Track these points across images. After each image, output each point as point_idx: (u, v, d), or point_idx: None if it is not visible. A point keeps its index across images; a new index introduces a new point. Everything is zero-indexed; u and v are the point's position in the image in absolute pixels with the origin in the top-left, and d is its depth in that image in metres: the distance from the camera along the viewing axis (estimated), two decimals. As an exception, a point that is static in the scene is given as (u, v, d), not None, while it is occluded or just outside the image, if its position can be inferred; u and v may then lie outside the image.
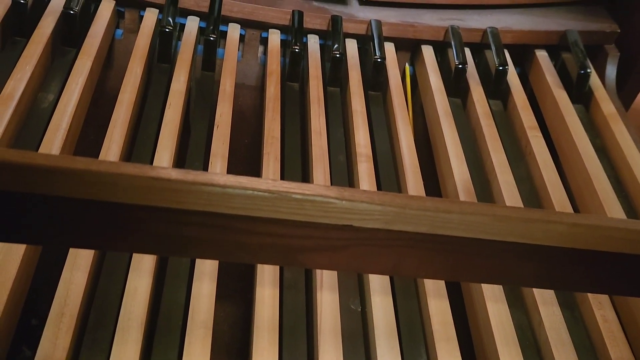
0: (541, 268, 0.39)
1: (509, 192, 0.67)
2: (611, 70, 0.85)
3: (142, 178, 0.36)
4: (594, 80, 0.83)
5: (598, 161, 0.71)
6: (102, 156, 0.63)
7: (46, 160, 0.35)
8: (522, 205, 0.66)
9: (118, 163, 0.35)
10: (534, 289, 0.56)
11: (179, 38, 0.82)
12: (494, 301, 0.55)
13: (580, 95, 0.82)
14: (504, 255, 0.38)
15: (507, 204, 0.66)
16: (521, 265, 0.39)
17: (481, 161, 0.75)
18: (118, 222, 0.38)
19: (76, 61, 0.72)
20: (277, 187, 0.38)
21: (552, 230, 0.37)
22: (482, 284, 0.55)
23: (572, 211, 0.66)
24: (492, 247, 0.37)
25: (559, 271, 0.40)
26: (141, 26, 0.81)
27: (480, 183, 0.71)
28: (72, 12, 0.74)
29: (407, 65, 0.91)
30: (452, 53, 0.83)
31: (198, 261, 0.55)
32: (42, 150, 0.61)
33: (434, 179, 0.76)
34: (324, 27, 0.86)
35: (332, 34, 0.83)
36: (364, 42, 0.87)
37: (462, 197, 0.67)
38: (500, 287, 0.56)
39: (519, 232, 0.37)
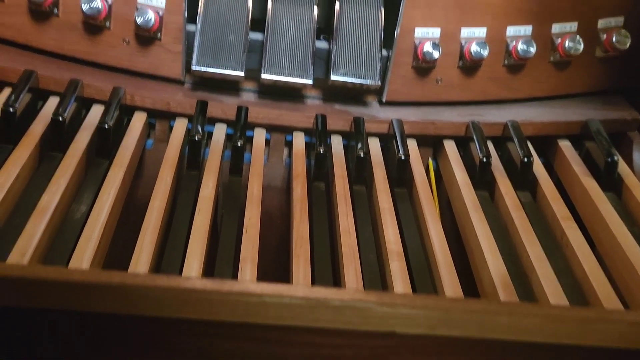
0: (602, 373, 0.36)
1: (550, 286, 0.64)
2: (639, 157, 0.84)
3: (177, 290, 0.35)
4: (623, 167, 0.82)
5: (640, 250, 0.68)
6: (132, 264, 0.62)
7: (82, 275, 0.35)
8: (565, 300, 0.63)
9: (153, 276, 0.35)
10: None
11: (207, 145, 0.85)
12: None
13: (611, 183, 0.81)
14: (559, 359, 0.35)
15: (550, 299, 0.62)
16: (580, 370, 0.36)
17: (516, 255, 0.72)
18: (151, 336, 0.37)
19: (109, 172, 0.74)
20: (315, 293, 0.36)
21: (612, 330, 0.34)
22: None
23: (621, 305, 0.62)
24: (546, 351, 0.35)
25: (622, 376, 0.37)
26: (171, 136, 0.84)
27: (518, 277, 0.68)
28: (106, 126, 0.77)
29: (430, 160, 0.91)
30: (475, 147, 0.84)
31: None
32: (73, 261, 0.61)
33: (468, 274, 0.74)
34: (347, 128, 0.89)
35: (355, 134, 0.85)
36: (387, 140, 0.89)
37: (500, 293, 0.65)
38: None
39: (575, 334, 0.34)
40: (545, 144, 0.92)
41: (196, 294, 0.35)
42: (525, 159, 0.81)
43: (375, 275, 0.68)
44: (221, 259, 0.68)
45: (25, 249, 0.60)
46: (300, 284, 0.57)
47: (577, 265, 0.69)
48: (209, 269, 0.67)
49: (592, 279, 0.66)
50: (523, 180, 0.82)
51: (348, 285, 0.63)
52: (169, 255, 0.67)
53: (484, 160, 0.82)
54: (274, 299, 0.35)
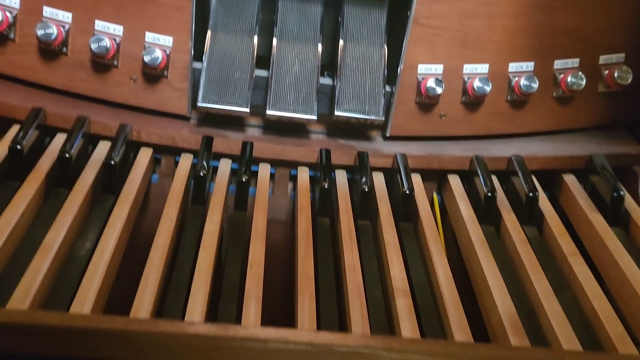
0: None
1: (559, 324, 0.63)
2: (644, 191, 0.84)
3: (180, 336, 0.35)
4: (629, 202, 0.82)
5: (650, 287, 0.67)
6: (136, 303, 0.62)
7: (84, 321, 0.35)
8: (575, 339, 0.62)
9: (156, 321, 0.35)
10: None
11: (212, 180, 0.86)
12: None
13: (618, 218, 0.80)
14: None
15: (560, 338, 0.61)
16: (593, 418, 0.35)
17: (524, 291, 0.71)
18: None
19: (114, 208, 0.74)
20: (320, 339, 0.36)
21: (624, 378, 0.34)
22: None
23: (633, 344, 0.61)
24: (558, 399, 0.34)
25: None
26: (177, 171, 0.85)
27: (526, 315, 0.67)
28: (112, 162, 0.78)
29: (435, 195, 0.91)
30: (480, 181, 0.84)
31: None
32: (77, 300, 0.60)
33: (475, 308, 0.73)
34: (351, 163, 0.89)
35: (360, 169, 0.85)
36: (391, 174, 0.89)
37: (509, 332, 0.64)
38: None
39: (587, 381, 0.34)
40: (550, 179, 0.92)
41: (200, 339, 0.35)
42: (531, 194, 0.81)
43: (382, 314, 0.67)
44: (225, 296, 0.67)
45: (29, 287, 0.60)
46: (306, 326, 0.57)
47: (586, 303, 0.68)
48: (214, 306, 0.66)
49: (602, 317, 0.65)
50: (529, 215, 0.82)
51: (354, 325, 0.62)
52: (172, 292, 0.66)
53: (489, 194, 0.82)
54: (278, 344, 0.35)
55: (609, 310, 0.66)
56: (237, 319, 0.64)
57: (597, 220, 0.80)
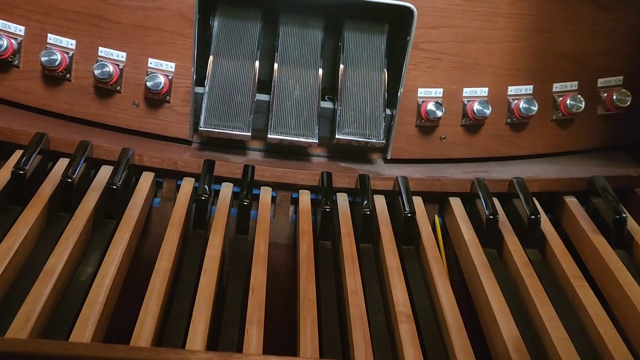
0: None
1: (564, 350, 0.63)
2: (647, 213, 0.84)
3: (182, 364, 0.34)
4: (631, 224, 0.82)
5: (656, 311, 0.66)
6: (137, 328, 0.61)
7: (86, 350, 0.34)
8: (581, 364, 0.61)
9: (158, 349, 0.34)
10: None
11: (214, 203, 0.86)
12: None
13: (620, 241, 0.80)
14: None
15: (565, 364, 0.61)
16: None
17: (528, 314, 0.71)
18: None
19: (116, 233, 0.74)
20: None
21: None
22: None
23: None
24: None
25: None
26: (178, 195, 0.85)
27: (530, 339, 0.66)
28: (114, 186, 0.78)
29: (436, 217, 0.91)
30: (481, 204, 0.84)
31: None
32: (78, 326, 0.60)
33: (479, 333, 0.72)
34: (352, 185, 0.89)
35: (361, 192, 0.85)
36: (392, 197, 0.89)
37: (513, 357, 0.63)
38: None
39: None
40: (552, 201, 0.92)
41: (202, 368, 0.34)
42: (533, 216, 0.81)
43: (384, 339, 0.66)
44: (227, 321, 0.66)
45: (29, 314, 0.59)
46: (308, 353, 0.56)
47: (591, 327, 0.68)
48: (215, 328, 0.66)
49: (608, 342, 0.64)
50: (531, 237, 0.82)
51: (357, 351, 0.62)
52: (174, 318, 0.66)
53: (491, 217, 0.81)
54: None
55: (615, 334, 0.65)
56: (239, 344, 0.63)
57: (600, 242, 0.79)
